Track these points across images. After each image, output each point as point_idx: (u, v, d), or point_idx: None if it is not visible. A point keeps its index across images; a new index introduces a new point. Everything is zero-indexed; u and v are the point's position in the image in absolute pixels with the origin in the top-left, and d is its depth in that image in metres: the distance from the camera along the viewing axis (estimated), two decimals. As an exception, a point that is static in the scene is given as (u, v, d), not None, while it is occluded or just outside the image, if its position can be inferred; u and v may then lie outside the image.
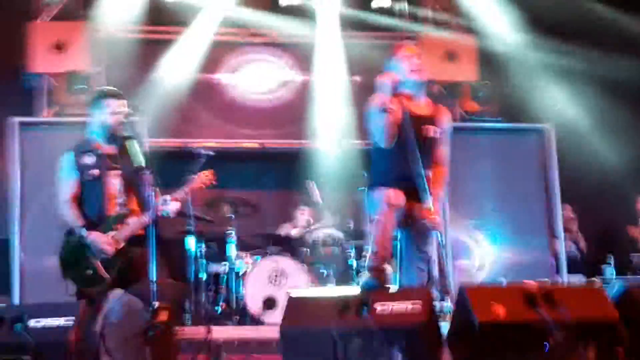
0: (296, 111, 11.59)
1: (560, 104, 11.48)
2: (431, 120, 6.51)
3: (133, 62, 11.11)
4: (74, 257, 6.40)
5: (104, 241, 6.34)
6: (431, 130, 6.47)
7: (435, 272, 8.99)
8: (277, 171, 11.76)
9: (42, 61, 10.48)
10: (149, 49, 11.32)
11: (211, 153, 7.10)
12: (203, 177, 6.67)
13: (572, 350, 5.36)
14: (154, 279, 5.94)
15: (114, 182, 6.53)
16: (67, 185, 6.56)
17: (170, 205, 6.46)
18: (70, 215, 6.49)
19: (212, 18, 11.45)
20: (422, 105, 6.53)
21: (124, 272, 6.39)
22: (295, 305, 5.92)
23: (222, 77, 11.64)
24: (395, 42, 11.25)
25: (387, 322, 5.44)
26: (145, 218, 6.34)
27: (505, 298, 5.46)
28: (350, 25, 11.76)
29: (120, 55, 11.09)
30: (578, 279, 10.32)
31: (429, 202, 6.25)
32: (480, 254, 10.46)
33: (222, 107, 11.57)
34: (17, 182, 9.75)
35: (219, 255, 9.81)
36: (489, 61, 11.36)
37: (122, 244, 6.40)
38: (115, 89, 6.83)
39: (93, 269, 6.34)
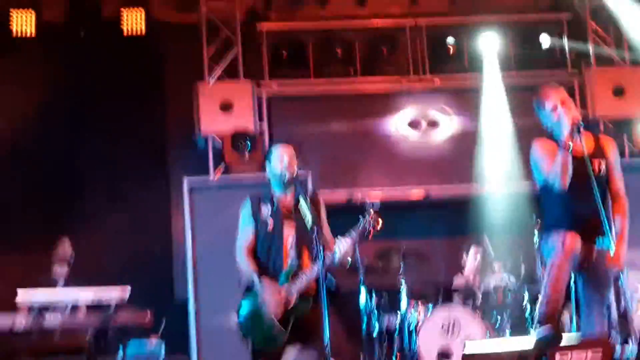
0: (461, 157, 11.45)
1: None
2: (595, 155, 6.34)
3: (296, 117, 11.27)
4: (252, 315, 6.46)
5: (273, 293, 6.38)
6: (597, 165, 6.29)
7: (615, 314, 8.72)
8: (445, 219, 11.59)
9: (209, 122, 10.75)
10: (311, 104, 11.44)
11: (377, 202, 7.08)
12: (370, 221, 6.62)
13: None
14: (328, 336, 5.91)
15: (288, 234, 6.60)
16: (244, 233, 6.69)
17: (340, 247, 6.44)
18: (245, 263, 6.59)
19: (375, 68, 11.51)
20: (581, 142, 6.34)
21: (299, 328, 6.40)
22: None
23: (385, 126, 11.60)
24: (559, 79, 11.18)
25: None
26: (315, 268, 6.36)
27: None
28: (513, 65, 11.63)
29: (283, 111, 11.27)
30: None
31: (610, 244, 6.04)
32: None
33: (386, 156, 11.52)
34: (189, 242, 9.95)
35: (391, 306, 9.75)
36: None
37: (295, 299, 6.41)
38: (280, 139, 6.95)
39: (270, 325, 6.37)
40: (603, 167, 6.34)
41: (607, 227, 6.05)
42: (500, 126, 11.31)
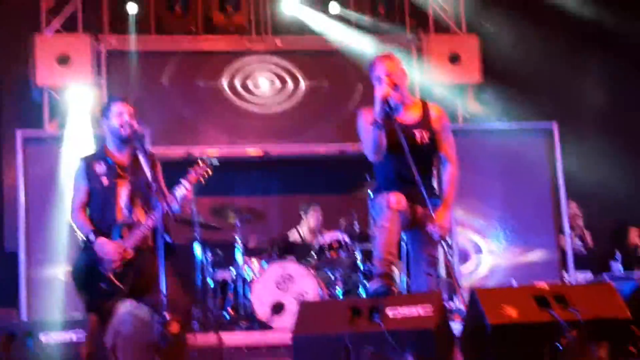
0: (299, 117, 11.58)
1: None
2: (421, 124, 6.33)
3: (135, 74, 11.14)
4: (87, 269, 6.36)
5: (110, 249, 6.32)
6: (419, 135, 6.28)
7: (443, 273, 8.98)
8: (282, 177, 11.74)
9: (45, 74, 10.52)
10: (151, 60, 11.32)
11: (214, 161, 7.05)
12: (199, 169, 6.57)
13: (585, 350, 5.33)
14: (165, 290, 5.90)
15: (122, 192, 6.52)
16: (77, 194, 6.57)
17: (175, 194, 6.38)
18: (80, 222, 6.49)
19: (216, 26, 11.44)
20: (409, 112, 6.38)
21: (136, 282, 6.34)
22: (307, 311, 5.89)
23: (224, 84, 11.58)
24: (397, 45, 11.38)
25: (399, 327, 5.41)
26: (150, 221, 6.33)
27: (516, 299, 5.44)
28: (354, 30, 11.77)
29: (122, 66, 11.12)
30: (585, 276, 10.31)
31: (432, 209, 6.13)
32: (484, 257, 10.48)
33: (225, 115, 11.51)
34: (21, 195, 9.74)
35: (226, 262, 9.79)
36: (492, 61, 11.37)
37: (131, 253, 6.36)
38: (120, 95, 6.85)
39: (107, 281, 6.31)
40: (426, 138, 6.28)
41: (430, 194, 6.13)
42: (336, 88, 11.49)
